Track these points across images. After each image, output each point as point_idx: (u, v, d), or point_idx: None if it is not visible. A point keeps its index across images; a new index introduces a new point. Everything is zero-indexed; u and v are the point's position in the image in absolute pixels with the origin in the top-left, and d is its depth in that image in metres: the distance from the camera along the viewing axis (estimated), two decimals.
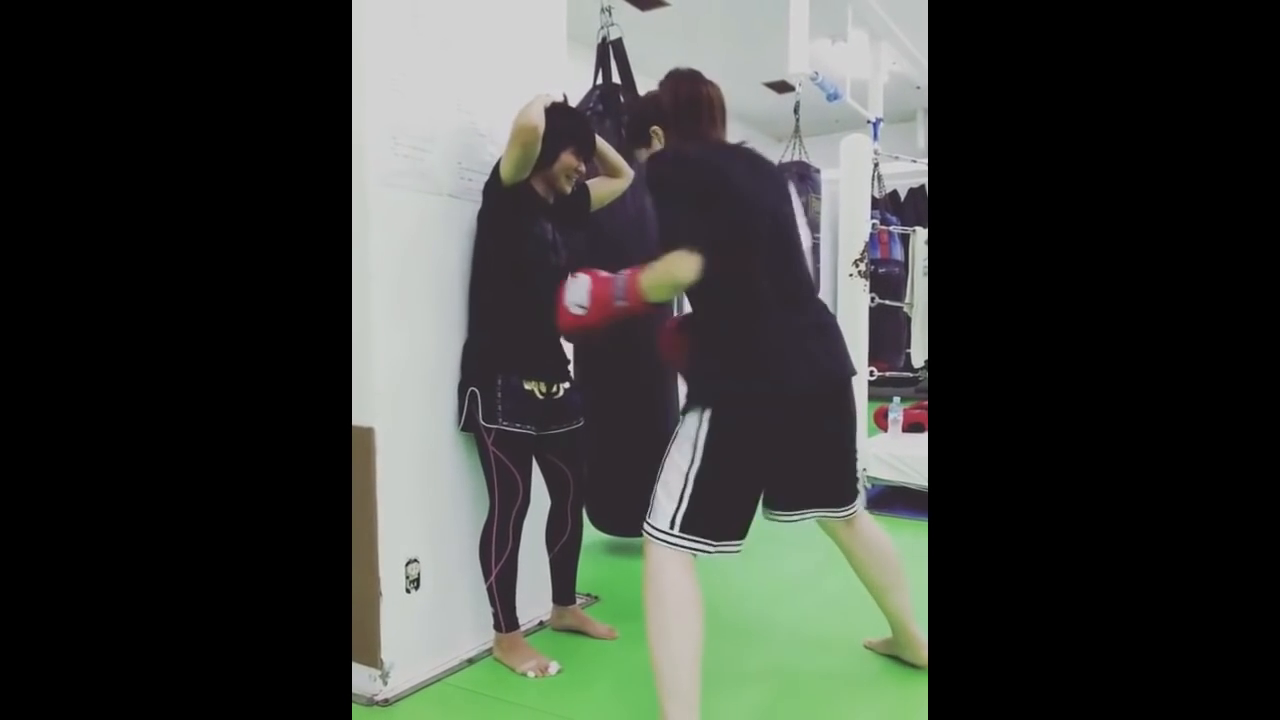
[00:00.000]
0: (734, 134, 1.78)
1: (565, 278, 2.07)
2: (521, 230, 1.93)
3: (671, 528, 1.55)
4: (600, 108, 2.61)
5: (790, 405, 1.57)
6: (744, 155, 1.68)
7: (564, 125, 1.89)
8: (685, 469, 1.55)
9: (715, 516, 1.56)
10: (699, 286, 1.58)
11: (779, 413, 1.56)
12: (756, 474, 1.61)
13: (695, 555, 1.56)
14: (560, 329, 1.77)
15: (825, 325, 1.66)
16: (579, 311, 1.68)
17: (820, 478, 1.74)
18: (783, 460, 1.63)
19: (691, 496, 1.54)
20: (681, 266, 1.50)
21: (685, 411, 1.60)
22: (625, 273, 1.62)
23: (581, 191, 2.08)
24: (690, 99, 1.69)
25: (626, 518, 2.79)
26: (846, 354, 1.68)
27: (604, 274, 1.69)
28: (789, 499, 1.75)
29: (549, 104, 1.86)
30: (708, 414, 1.54)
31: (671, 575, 1.54)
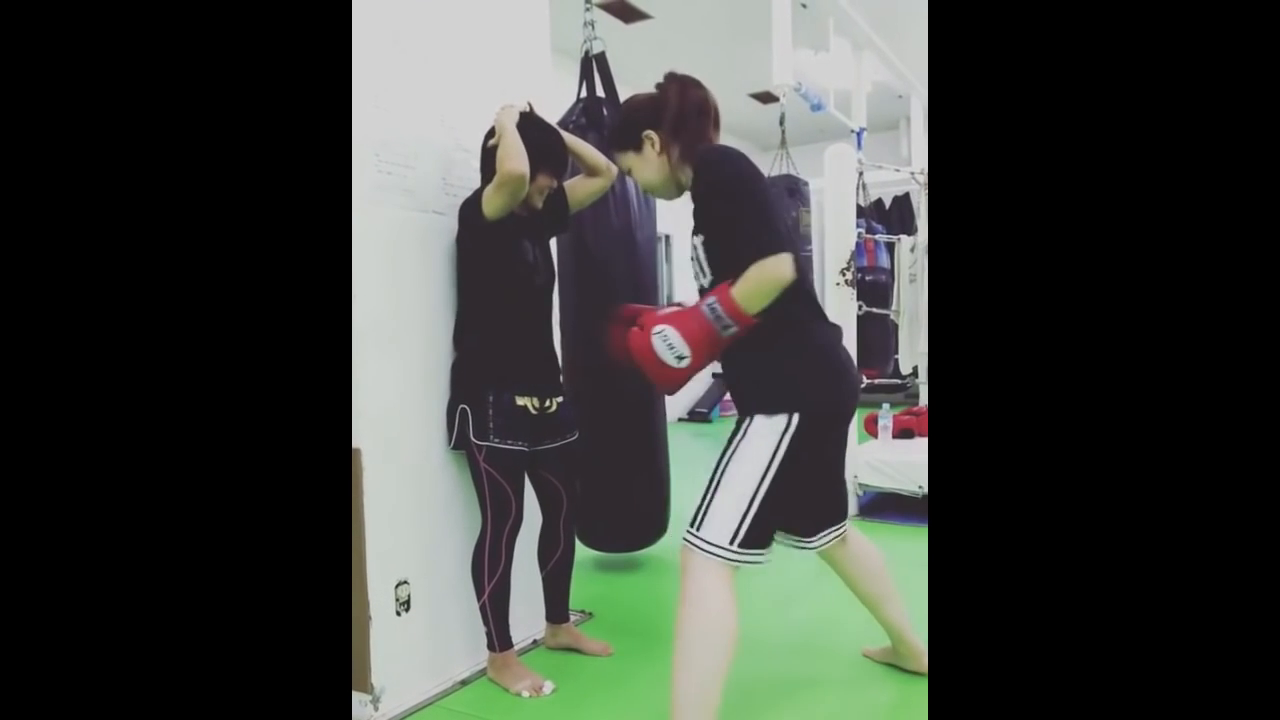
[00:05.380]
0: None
1: (550, 293, 2.07)
2: (503, 255, 1.91)
3: (732, 543, 1.47)
4: (583, 120, 2.62)
5: (846, 415, 1.55)
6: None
7: (538, 143, 1.86)
8: (757, 481, 1.47)
9: (769, 528, 1.52)
10: None
11: (841, 423, 1.54)
12: (812, 484, 1.57)
13: (738, 569, 1.50)
14: (667, 388, 1.63)
15: (841, 336, 1.65)
16: (682, 365, 1.53)
17: (837, 492, 1.73)
18: (828, 472, 1.61)
19: (758, 510, 1.47)
20: (780, 268, 1.44)
21: (754, 417, 1.50)
22: (712, 299, 1.49)
23: (558, 196, 2.04)
24: (697, 104, 1.63)
25: (614, 533, 2.77)
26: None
27: (682, 311, 1.56)
28: (817, 521, 1.71)
29: (518, 119, 1.84)
30: (794, 422, 1.46)
31: (719, 597, 1.47)
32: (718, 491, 1.50)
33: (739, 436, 1.52)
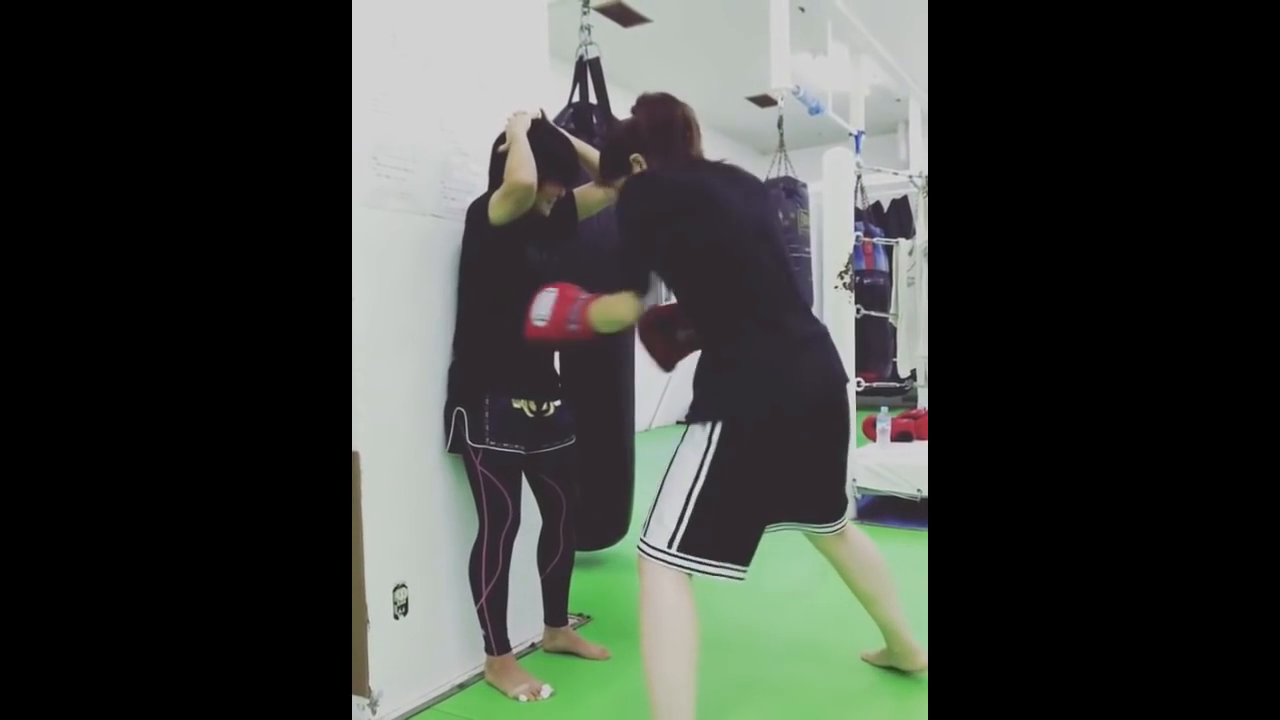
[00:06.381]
0: (719, 148, 1.78)
1: None
2: (509, 258, 1.91)
3: (670, 547, 1.51)
4: (572, 126, 2.61)
5: (794, 419, 1.55)
6: (723, 170, 1.69)
7: (547, 152, 1.87)
8: (688, 487, 1.52)
9: (717, 536, 1.53)
10: (694, 302, 1.59)
11: (784, 428, 1.54)
12: (761, 491, 1.59)
13: (691, 575, 1.53)
14: (525, 336, 1.80)
15: (820, 336, 1.65)
16: (540, 324, 1.75)
17: (815, 490, 1.72)
18: (784, 474, 1.60)
19: (693, 516, 1.51)
20: (622, 308, 1.62)
21: (687, 427, 1.57)
22: (583, 298, 1.71)
23: (566, 203, 2.05)
24: (665, 121, 1.70)
25: (587, 531, 2.76)
26: (841, 364, 1.67)
27: (570, 292, 1.75)
28: (780, 511, 1.71)
29: (528, 127, 1.85)
30: (716, 430, 1.51)
31: (668, 597, 1.51)
32: (659, 497, 1.57)
33: (678, 445, 1.59)
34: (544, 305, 1.75)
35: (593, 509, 2.72)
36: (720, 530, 1.53)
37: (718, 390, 1.55)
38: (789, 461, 1.58)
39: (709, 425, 1.53)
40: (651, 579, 1.54)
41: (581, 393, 2.57)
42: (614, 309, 1.65)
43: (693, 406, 1.58)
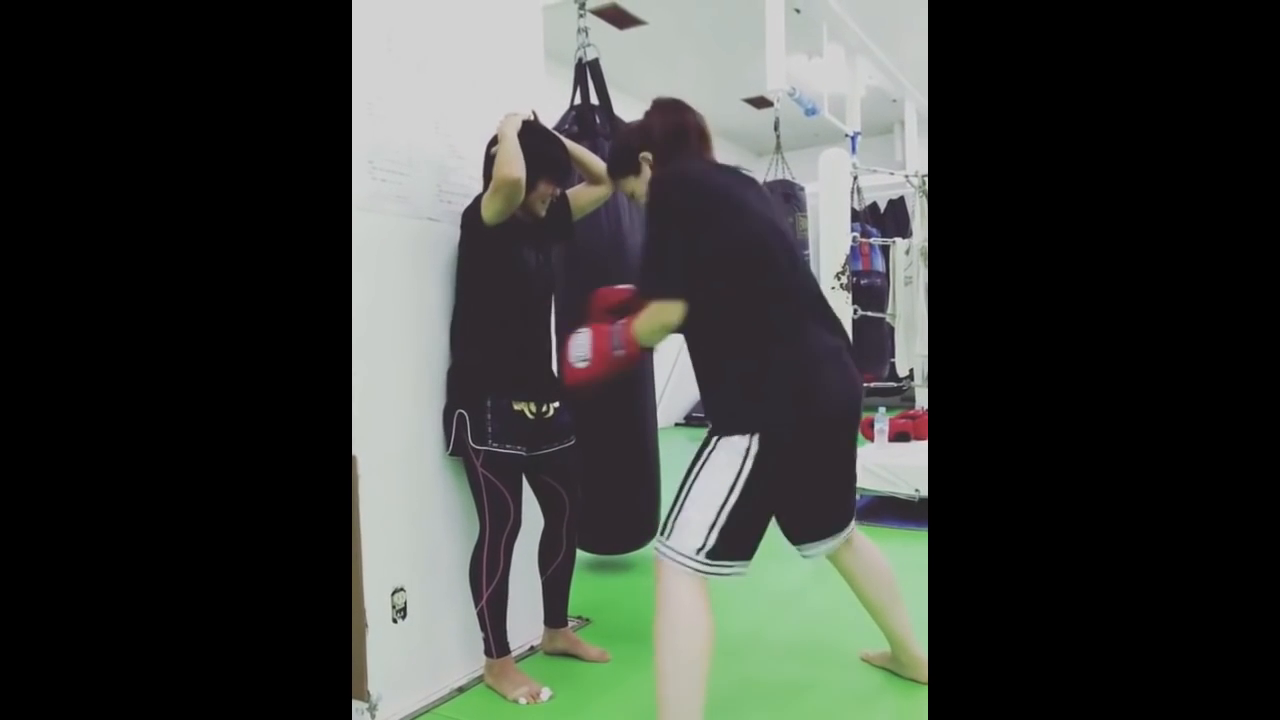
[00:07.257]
0: (716, 150, 1.78)
1: (549, 300, 2.08)
2: (504, 260, 1.92)
3: (698, 554, 1.50)
4: (575, 128, 2.61)
5: (826, 431, 1.55)
6: (736, 173, 1.68)
7: (538, 151, 1.87)
8: (723, 498, 1.50)
9: (743, 544, 1.53)
10: (721, 307, 1.55)
11: (817, 440, 1.54)
12: (787, 500, 1.59)
13: (709, 579, 1.53)
14: (567, 384, 1.75)
15: (840, 350, 1.62)
16: (582, 365, 1.69)
17: (838, 501, 1.73)
18: (814, 487, 1.61)
19: (726, 526, 1.50)
20: (669, 314, 1.54)
21: (719, 437, 1.54)
22: (620, 323, 1.65)
23: (561, 203, 2.05)
24: (677, 125, 1.69)
25: (606, 535, 2.77)
26: (859, 378, 1.67)
27: (602, 326, 1.70)
28: (818, 528, 1.71)
29: (520, 127, 1.85)
30: (755, 442, 1.49)
31: (689, 605, 1.50)
32: (685, 503, 1.54)
33: (707, 451, 1.55)
34: (581, 347, 1.69)
35: (620, 512, 2.71)
36: (747, 537, 1.54)
37: (753, 400, 1.51)
38: (817, 473, 1.59)
39: (748, 437, 1.50)
40: (671, 583, 1.52)
41: (602, 394, 2.57)
42: (661, 318, 1.55)
43: (727, 415, 1.55)
